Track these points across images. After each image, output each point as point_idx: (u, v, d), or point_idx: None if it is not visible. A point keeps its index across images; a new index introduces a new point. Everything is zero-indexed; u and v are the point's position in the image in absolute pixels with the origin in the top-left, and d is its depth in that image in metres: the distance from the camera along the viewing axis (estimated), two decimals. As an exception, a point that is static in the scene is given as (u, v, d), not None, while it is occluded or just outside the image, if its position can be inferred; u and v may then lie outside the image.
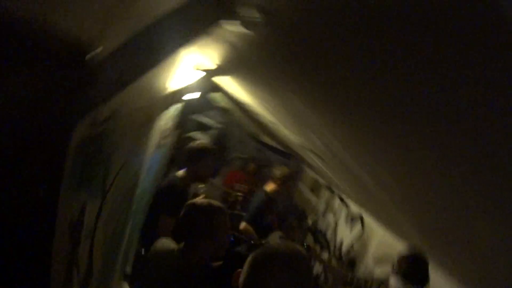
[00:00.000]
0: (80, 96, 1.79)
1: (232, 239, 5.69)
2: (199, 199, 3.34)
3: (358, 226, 6.94)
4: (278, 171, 7.06)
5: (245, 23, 2.38)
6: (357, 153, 3.32)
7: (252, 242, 5.74)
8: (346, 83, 2.09)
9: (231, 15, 2.30)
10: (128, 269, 5.09)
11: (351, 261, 6.68)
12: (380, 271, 5.91)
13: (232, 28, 2.58)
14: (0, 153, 1.66)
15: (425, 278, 3.81)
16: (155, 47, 2.23)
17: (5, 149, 1.66)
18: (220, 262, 3.91)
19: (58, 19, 1.43)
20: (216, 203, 3.27)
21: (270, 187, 7.03)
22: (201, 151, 4.86)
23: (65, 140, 1.81)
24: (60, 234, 2.03)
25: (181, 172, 4.92)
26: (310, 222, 9.17)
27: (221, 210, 3.24)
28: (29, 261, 1.96)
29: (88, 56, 1.68)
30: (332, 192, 8.84)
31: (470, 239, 2.77)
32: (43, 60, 1.60)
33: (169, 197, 4.59)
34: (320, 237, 8.45)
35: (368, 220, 6.65)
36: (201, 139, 7.20)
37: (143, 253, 4.79)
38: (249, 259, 2.14)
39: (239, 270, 2.16)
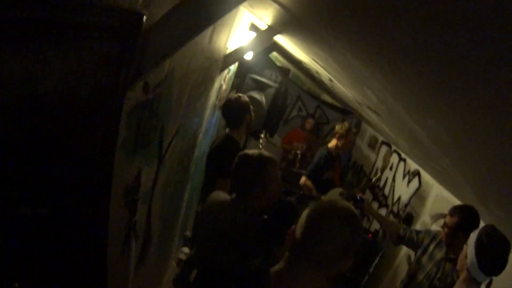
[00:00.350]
0: (131, 62, 1.85)
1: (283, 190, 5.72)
2: (251, 150, 3.36)
3: (415, 182, 6.93)
4: (338, 126, 7.11)
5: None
6: (412, 109, 3.27)
7: (302, 193, 5.79)
8: (395, 36, 2.07)
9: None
10: (189, 233, 5.19)
11: (408, 217, 6.65)
12: (434, 227, 5.91)
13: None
14: (58, 120, 1.74)
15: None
16: (205, 8, 2.25)
17: (63, 116, 1.74)
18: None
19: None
20: (267, 153, 3.30)
21: (331, 143, 7.09)
22: (243, 106, 4.79)
23: (118, 106, 1.87)
24: (116, 200, 2.09)
25: (230, 130, 4.86)
26: (368, 178, 9.15)
27: (272, 160, 3.27)
28: (86, 226, 2.04)
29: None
30: (390, 147, 8.88)
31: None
32: (98, 31, 1.67)
33: (223, 158, 4.41)
34: (378, 193, 8.45)
35: (426, 176, 6.58)
36: (258, 97, 7.18)
37: (202, 214, 4.86)
38: (306, 212, 2.21)
39: (294, 226, 2.22)
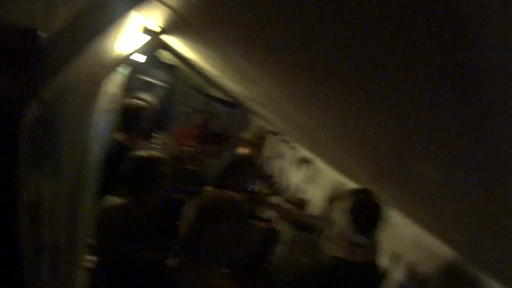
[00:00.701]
0: (28, 77, 1.83)
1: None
2: (142, 151, 3.41)
3: (308, 168, 7.15)
4: (249, 134, 6.87)
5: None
6: (301, 104, 3.44)
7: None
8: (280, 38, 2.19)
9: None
10: (91, 241, 5.09)
11: (301, 202, 6.85)
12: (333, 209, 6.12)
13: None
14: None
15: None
16: (99, 14, 2.25)
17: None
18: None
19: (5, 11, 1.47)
20: (157, 153, 3.37)
21: (242, 150, 6.80)
22: (135, 111, 4.84)
23: (15, 122, 1.84)
24: (22, 218, 2.05)
25: (121, 135, 4.84)
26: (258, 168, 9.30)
27: (162, 160, 3.39)
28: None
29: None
30: (276, 135, 9.01)
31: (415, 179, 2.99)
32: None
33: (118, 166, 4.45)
34: (270, 182, 8.60)
35: (318, 162, 6.82)
36: (147, 99, 7.13)
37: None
38: (189, 209, 2.32)
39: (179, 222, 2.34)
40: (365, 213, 3.37)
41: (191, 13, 3.23)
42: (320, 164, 6.77)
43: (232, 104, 11.11)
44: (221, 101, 11.23)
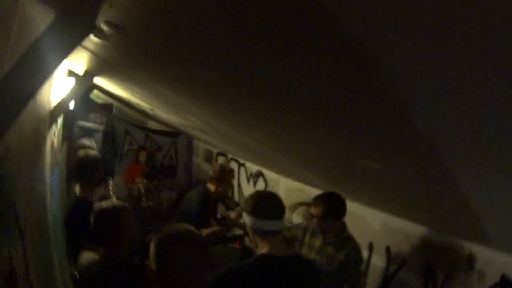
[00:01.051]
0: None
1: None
2: (103, 203, 3.41)
3: (260, 182, 7.24)
4: (210, 171, 5.99)
5: (103, 36, 2.52)
6: (238, 127, 3.61)
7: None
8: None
9: (92, 30, 2.37)
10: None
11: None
12: (295, 217, 6.30)
13: (94, 39, 2.70)
14: None
15: (342, 212, 4.14)
16: (35, 69, 2.24)
17: None
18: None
19: None
20: (118, 203, 3.42)
21: (210, 186, 6.01)
22: (87, 163, 4.71)
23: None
24: None
25: (77, 188, 4.73)
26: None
27: (125, 208, 3.41)
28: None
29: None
30: (226, 156, 9.10)
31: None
32: None
33: (81, 221, 4.24)
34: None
35: (269, 174, 6.91)
36: (88, 143, 7.01)
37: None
38: (152, 242, 2.44)
39: (147, 261, 2.46)
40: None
41: (112, 57, 3.27)
42: (274, 175, 6.85)
43: (173, 133, 11.09)
44: (162, 133, 11.18)
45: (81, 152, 4.76)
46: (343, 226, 4.32)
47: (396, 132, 1.78)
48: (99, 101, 10.84)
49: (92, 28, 2.27)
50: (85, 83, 5.23)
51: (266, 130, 3.07)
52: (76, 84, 5.19)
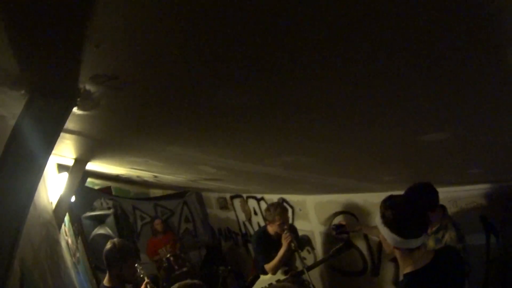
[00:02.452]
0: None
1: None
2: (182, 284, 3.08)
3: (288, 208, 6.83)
4: (266, 213, 5.74)
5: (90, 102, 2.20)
6: (258, 158, 3.34)
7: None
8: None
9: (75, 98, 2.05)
10: None
11: (303, 241, 6.50)
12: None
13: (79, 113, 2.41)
14: None
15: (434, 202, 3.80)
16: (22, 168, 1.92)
17: None
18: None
19: None
20: (196, 281, 3.07)
21: (269, 227, 5.82)
22: (118, 249, 4.23)
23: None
24: None
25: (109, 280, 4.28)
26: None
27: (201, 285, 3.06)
28: None
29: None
30: (241, 197, 8.85)
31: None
32: None
33: None
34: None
35: (292, 197, 6.59)
36: (104, 231, 6.62)
37: None
38: None
39: None
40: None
41: (108, 128, 2.93)
42: (295, 197, 6.59)
43: (180, 193, 10.83)
44: (169, 197, 10.92)
45: (108, 244, 4.26)
46: (442, 214, 3.92)
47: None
48: (96, 187, 10.58)
49: (76, 96, 1.95)
50: (79, 172, 4.87)
51: (299, 149, 2.81)
52: (70, 176, 4.86)
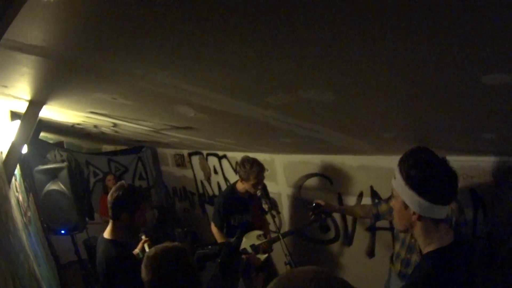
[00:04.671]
0: None
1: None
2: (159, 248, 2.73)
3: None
4: (240, 169, 5.33)
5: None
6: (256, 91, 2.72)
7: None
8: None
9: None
10: None
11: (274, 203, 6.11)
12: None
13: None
14: None
15: None
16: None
17: None
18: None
19: None
20: (176, 244, 2.85)
21: (238, 185, 5.49)
22: (131, 197, 3.62)
23: None
24: None
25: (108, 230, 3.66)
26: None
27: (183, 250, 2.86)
28: None
29: None
30: (201, 154, 8.46)
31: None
32: None
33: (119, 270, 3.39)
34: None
35: (260, 155, 6.06)
36: (57, 187, 5.98)
37: None
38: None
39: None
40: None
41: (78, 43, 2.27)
42: (263, 156, 6.15)
43: (135, 148, 10.28)
44: (125, 151, 10.39)
45: (116, 190, 3.58)
46: None
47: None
48: (50, 141, 10.08)
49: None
50: (33, 118, 4.19)
51: (318, 79, 2.19)
52: (23, 122, 4.20)
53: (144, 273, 2.54)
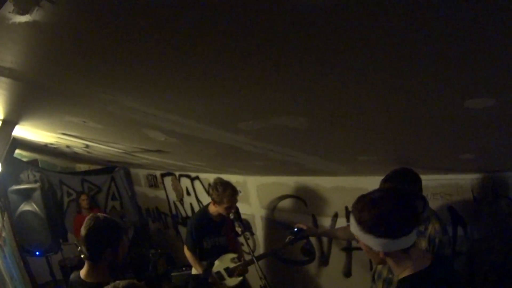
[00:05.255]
0: None
1: None
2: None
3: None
4: (212, 191, 5.08)
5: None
6: (223, 120, 2.69)
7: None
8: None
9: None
10: None
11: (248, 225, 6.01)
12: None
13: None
14: None
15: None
16: None
17: None
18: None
19: None
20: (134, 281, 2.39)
21: (210, 208, 5.26)
22: (112, 230, 3.03)
23: None
24: None
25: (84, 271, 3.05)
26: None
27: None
28: None
29: None
30: (173, 175, 8.34)
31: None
32: None
33: None
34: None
35: (232, 177, 5.91)
36: (30, 208, 5.82)
37: None
38: None
39: None
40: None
41: (42, 72, 2.18)
42: (235, 178, 6.05)
43: (109, 168, 10.15)
44: (98, 171, 10.17)
45: (91, 222, 2.94)
46: (422, 206, 3.50)
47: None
48: (24, 159, 9.83)
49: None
50: (6, 136, 4.08)
51: (293, 105, 2.14)
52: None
53: None
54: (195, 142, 3.45)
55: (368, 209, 2.11)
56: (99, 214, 3.05)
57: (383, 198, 2.14)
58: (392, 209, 2.08)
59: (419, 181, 3.33)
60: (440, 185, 3.82)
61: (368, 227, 2.10)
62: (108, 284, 2.49)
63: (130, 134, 3.80)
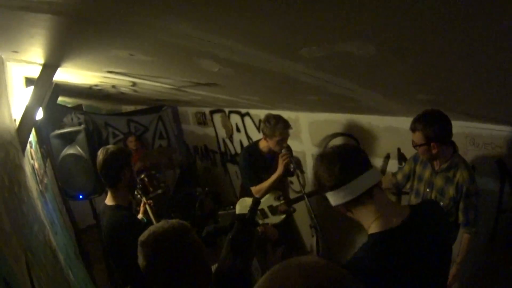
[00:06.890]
0: None
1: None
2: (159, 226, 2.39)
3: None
4: (263, 125, 5.05)
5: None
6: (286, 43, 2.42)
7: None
8: None
9: None
10: None
11: (298, 163, 5.85)
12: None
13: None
14: None
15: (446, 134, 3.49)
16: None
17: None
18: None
19: None
20: (174, 223, 2.46)
21: (261, 143, 5.20)
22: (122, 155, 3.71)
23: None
24: None
25: (108, 197, 3.68)
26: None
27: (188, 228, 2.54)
28: None
29: None
30: (223, 112, 8.25)
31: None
32: None
33: (126, 238, 3.16)
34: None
35: (284, 113, 5.70)
36: (74, 151, 5.80)
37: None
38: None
39: None
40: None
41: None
42: (287, 114, 5.76)
43: (155, 108, 10.05)
44: (144, 111, 10.16)
45: (100, 155, 3.64)
46: (453, 151, 3.57)
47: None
48: (69, 105, 9.88)
49: None
50: (47, 81, 4.02)
51: (364, 30, 1.89)
52: (36, 85, 3.96)
53: (139, 259, 2.23)
54: (251, 72, 3.28)
55: (315, 172, 2.13)
56: (107, 146, 3.73)
57: (321, 154, 2.14)
58: (329, 158, 2.06)
59: (447, 123, 3.30)
60: (491, 136, 3.67)
61: (323, 185, 2.09)
62: (130, 203, 2.99)
63: (181, 65, 3.64)
